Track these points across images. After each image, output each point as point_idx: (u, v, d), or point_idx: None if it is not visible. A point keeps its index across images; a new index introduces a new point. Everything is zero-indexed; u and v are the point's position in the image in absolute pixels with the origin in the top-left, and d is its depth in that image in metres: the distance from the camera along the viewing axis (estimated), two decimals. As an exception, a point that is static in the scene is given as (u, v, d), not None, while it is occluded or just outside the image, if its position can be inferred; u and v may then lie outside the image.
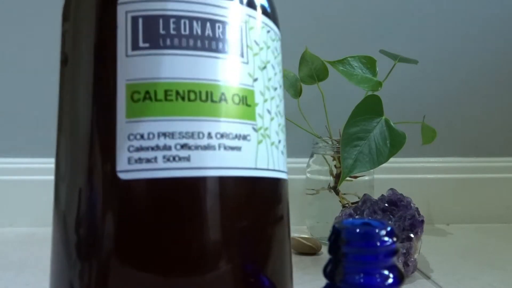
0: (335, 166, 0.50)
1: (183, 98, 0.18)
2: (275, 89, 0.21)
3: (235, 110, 0.19)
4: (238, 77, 0.19)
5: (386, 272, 0.17)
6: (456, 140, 0.66)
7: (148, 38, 0.18)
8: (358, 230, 0.17)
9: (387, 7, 0.66)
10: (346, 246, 0.17)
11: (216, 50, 0.19)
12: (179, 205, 0.18)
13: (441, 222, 0.62)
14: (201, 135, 0.18)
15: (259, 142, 0.20)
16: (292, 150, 0.64)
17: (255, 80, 0.20)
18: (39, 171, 0.60)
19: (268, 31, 0.21)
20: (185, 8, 0.19)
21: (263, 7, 0.21)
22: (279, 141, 0.21)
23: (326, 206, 0.50)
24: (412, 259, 0.37)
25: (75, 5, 0.20)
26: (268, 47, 0.21)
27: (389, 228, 0.17)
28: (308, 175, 0.53)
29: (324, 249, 0.46)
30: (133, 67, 0.18)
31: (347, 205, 0.46)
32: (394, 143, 0.42)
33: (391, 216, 0.39)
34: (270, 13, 0.22)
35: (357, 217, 0.40)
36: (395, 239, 0.17)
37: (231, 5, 0.20)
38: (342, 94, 0.54)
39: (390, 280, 0.17)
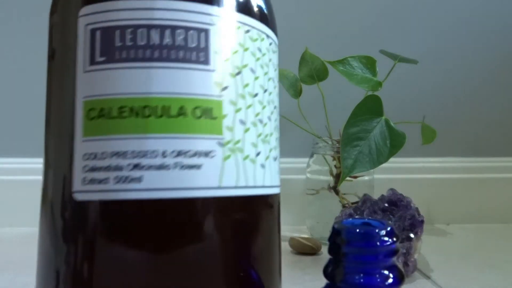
0: (335, 166, 0.50)
1: (137, 115, 0.17)
2: (255, 95, 0.19)
3: (196, 125, 0.17)
4: (201, 87, 0.18)
5: (386, 272, 0.17)
6: (456, 140, 0.66)
7: (105, 51, 0.17)
8: (358, 230, 0.17)
9: (387, 7, 0.66)
10: (346, 246, 0.17)
11: (176, 60, 0.17)
12: (130, 230, 0.17)
13: (441, 222, 0.62)
14: (154, 154, 0.17)
15: (226, 157, 0.18)
16: (292, 150, 0.64)
17: (224, 88, 0.18)
18: (39, 171, 0.60)
19: (247, 31, 0.19)
20: (143, 16, 0.17)
21: (240, 4, 0.19)
22: (258, 154, 0.19)
23: (326, 206, 0.50)
24: (412, 259, 0.37)
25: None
26: (245, 49, 0.19)
27: (389, 228, 0.17)
28: (308, 175, 0.53)
29: (324, 249, 0.46)
30: (90, 83, 0.17)
31: (347, 205, 0.46)
32: (394, 143, 0.42)
33: (391, 216, 0.39)
34: (251, 9, 0.20)
35: (357, 217, 0.40)
36: (395, 239, 0.17)
37: (194, 7, 0.18)
38: (342, 94, 0.54)
39: (390, 280, 0.17)
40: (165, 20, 0.17)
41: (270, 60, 0.21)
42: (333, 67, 0.46)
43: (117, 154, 0.17)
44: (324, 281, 0.18)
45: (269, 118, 0.20)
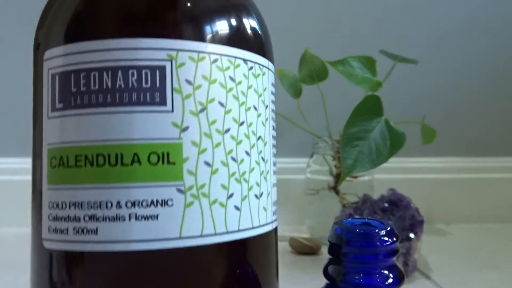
0: (335, 166, 0.50)
1: (91, 164, 0.16)
2: (226, 131, 0.18)
3: (151, 172, 0.16)
4: (157, 131, 0.16)
5: (386, 272, 0.17)
6: (456, 140, 0.66)
7: (62, 97, 0.17)
8: (358, 230, 0.17)
9: (387, 7, 0.66)
10: (346, 246, 0.17)
11: (129, 103, 0.16)
12: (90, 282, 0.16)
13: (441, 222, 0.62)
14: (109, 205, 0.16)
15: (188, 205, 0.17)
16: (292, 150, 0.64)
17: (185, 129, 0.17)
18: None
19: (215, 60, 0.17)
20: (94, 59, 0.17)
21: (203, 32, 0.17)
22: (230, 196, 0.18)
23: (326, 206, 0.50)
24: (412, 259, 0.37)
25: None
26: (212, 82, 0.17)
27: (389, 228, 0.17)
28: (308, 175, 0.53)
29: (324, 249, 0.46)
30: (52, 130, 0.17)
31: (347, 205, 0.46)
32: (394, 143, 0.42)
33: (391, 216, 0.39)
34: (219, 35, 0.18)
35: (357, 217, 0.40)
36: (395, 239, 0.17)
37: (146, 44, 0.17)
38: (342, 94, 0.54)
39: (390, 280, 0.17)
40: (116, 61, 0.16)
41: (249, 87, 0.19)
42: (333, 67, 0.46)
43: (74, 204, 0.16)
44: (324, 281, 0.18)
45: (248, 153, 0.19)
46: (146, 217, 0.16)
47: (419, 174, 0.64)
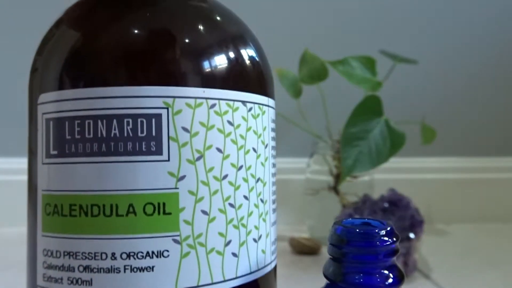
0: (335, 166, 0.50)
1: (86, 214, 0.16)
2: (223, 177, 0.17)
3: (147, 223, 0.16)
4: (152, 181, 0.16)
5: (386, 272, 0.17)
6: (456, 140, 0.66)
7: (57, 144, 0.17)
8: (358, 230, 0.17)
9: (387, 7, 0.66)
10: (346, 246, 0.17)
11: (124, 153, 0.16)
12: None
13: (441, 222, 0.62)
14: (104, 256, 0.16)
15: (185, 255, 0.16)
16: (292, 150, 0.64)
17: (181, 178, 0.16)
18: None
19: (213, 105, 0.17)
20: (89, 106, 0.16)
21: (201, 76, 0.17)
22: (228, 243, 0.17)
23: (326, 206, 0.50)
24: (412, 259, 0.37)
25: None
26: (211, 127, 0.17)
27: (389, 228, 0.17)
28: (308, 175, 0.53)
29: (324, 249, 0.46)
30: (46, 176, 0.17)
31: (347, 205, 0.46)
32: (394, 143, 0.42)
33: (391, 216, 0.39)
34: (218, 79, 0.17)
35: (357, 217, 0.40)
36: (395, 239, 0.17)
37: (142, 92, 0.16)
38: (342, 94, 0.54)
39: (390, 280, 0.17)
40: (111, 110, 0.16)
41: (248, 129, 0.18)
42: (333, 67, 0.46)
43: (69, 254, 0.16)
44: (324, 281, 0.18)
45: (246, 197, 0.18)
46: (141, 269, 0.16)
47: (419, 174, 0.64)
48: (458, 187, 0.64)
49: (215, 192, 0.17)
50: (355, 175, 0.48)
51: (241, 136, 0.18)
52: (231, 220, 0.17)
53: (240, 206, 0.18)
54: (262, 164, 0.19)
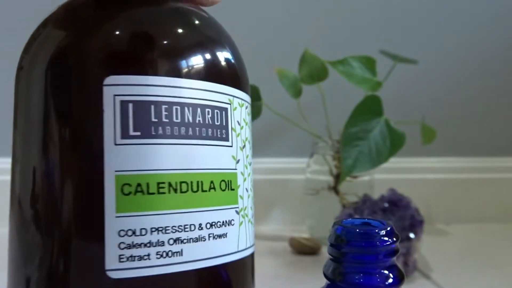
0: (335, 166, 0.50)
1: (175, 190, 0.17)
2: (250, 164, 0.21)
3: (222, 197, 0.19)
4: (224, 162, 0.19)
5: (386, 272, 0.17)
6: (456, 140, 0.66)
7: (140, 126, 0.17)
8: (358, 230, 0.17)
9: (387, 7, 0.66)
10: (346, 246, 0.17)
11: (206, 137, 0.18)
12: None
13: (441, 222, 0.62)
14: (192, 227, 0.18)
15: (240, 224, 0.20)
16: (292, 150, 0.64)
17: (238, 162, 0.20)
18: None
19: (246, 107, 0.21)
20: (177, 95, 0.18)
21: (242, 83, 0.21)
22: (253, 215, 0.21)
23: (326, 206, 0.50)
24: (412, 259, 0.37)
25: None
26: (246, 124, 0.21)
27: (389, 228, 0.17)
28: (308, 175, 0.53)
29: (324, 249, 0.46)
30: (123, 157, 0.17)
31: (347, 205, 0.46)
32: (394, 143, 0.42)
33: (391, 216, 0.39)
34: (246, 85, 0.22)
35: (357, 217, 0.40)
36: (395, 239, 0.17)
37: (219, 88, 0.19)
38: (342, 94, 0.54)
39: (390, 280, 0.17)
40: (195, 99, 0.18)
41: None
42: (333, 67, 0.46)
43: (157, 229, 0.17)
44: (324, 281, 0.18)
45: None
46: (220, 236, 0.19)
47: (419, 174, 0.64)
48: (458, 187, 0.64)
49: (249, 174, 0.21)
50: (355, 175, 0.48)
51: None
52: (253, 197, 0.22)
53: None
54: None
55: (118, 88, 0.17)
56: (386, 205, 0.40)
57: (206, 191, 0.18)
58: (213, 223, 0.18)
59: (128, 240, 0.17)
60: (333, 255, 0.17)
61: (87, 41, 0.18)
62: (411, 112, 0.58)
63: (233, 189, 0.19)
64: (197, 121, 0.18)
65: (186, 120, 0.18)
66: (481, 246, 0.50)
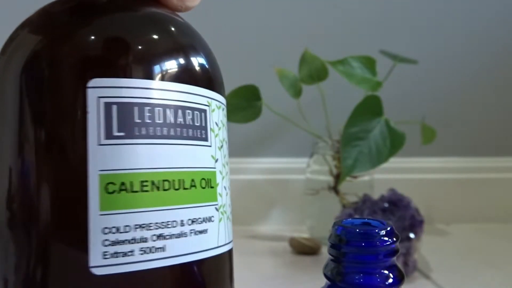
0: (335, 166, 0.50)
1: (158, 188, 0.18)
2: (227, 163, 0.22)
3: (202, 194, 0.20)
4: (204, 161, 0.20)
5: (386, 272, 0.17)
6: (456, 140, 0.66)
7: (123, 126, 0.18)
8: (358, 230, 0.17)
9: (387, 7, 0.66)
10: (346, 246, 0.17)
11: (187, 137, 0.19)
12: None
13: (441, 222, 0.62)
14: (174, 224, 0.18)
15: (220, 220, 0.21)
16: (292, 150, 0.64)
17: (216, 161, 0.21)
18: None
19: (223, 109, 0.22)
20: (159, 97, 0.19)
21: (219, 85, 0.22)
22: (231, 212, 0.22)
23: (326, 206, 0.50)
24: (412, 259, 0.37)
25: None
26: (223, 125, 0.22)
27: (389, 228, 0.17)
28: (308, 175, 0.53)
29: (324, 249, 0.46)
30: (107, 156, 0.18)
31: (347, 205, 0.46)
32: (394, 143, 0.42)
33: (391, 216, 0.39)
34: (222, 87, 0.23)
35: (357, 217, 0.40)
36: (395, 239, 0.17)
37: (198, 91, 0.20)
38: (342, 94, 0.54)
39: (390, 280, 0.17)
40: (175, 101, 0.19)
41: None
42: (333, 67, 0.46)
43: (141, 226, 0.18)
44: (324, 281, 0.18)
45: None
46: (201, 231, 0.19)
47: (419, 174, 0.64)
48: (458, 187, 0.64)
49: (227, 173, 0.22)
50: (355, 175, 0.48)
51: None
52: (230, 196, 0.23)
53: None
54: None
55: (102, 90, 0.18)
56: (386, 205, 0.40)
57: (187, 188, 0.19)
58: (194, 220, 0.19)
59: (112, 237, 0.17)
60: (333, 255, 0.17)
61: (66, 44, 0.19)
62: (411, 112, 0.58)
63: (213, 187, 0.20)
64: (178, 122, 0.19)
65: (168, 121, 0.19)
66: (481, 246, 0.50)
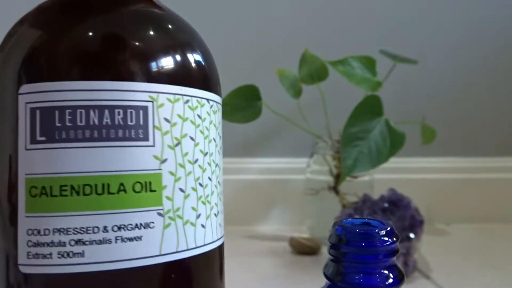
0: (335, 166, 0.50)
1: (78, 193, 0.18)
2: (195, 161, 0.20)
3: (135, 199, 0.18)
4: (140, 163, 0.18)
5: (386, 272, 0.17)
6: (456, 140, 0.66)
7: (45, 131, 0.18)
8: (358, 230, 0.17)
9: (387, 7, 0.66)
10: (346, 246, 0.17)
11: (115, 139, 0.18)
12: None
13: (441, 222, 0.62)
14: (96, 230, 0.18)
15: (166, 226, 0.19)
16: (292, 150, 0.64)
17: (164, 161, 0.19)
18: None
19: (187, 101, 0.20)
20: (82, 97, 0.18)
21: (179, 76, 0.20)
22: (198, 216, 0.20)
23: (326, 206, 0.50)
24: (412, 259, 0.37)
25: None
26: (185, 120, 0.20)
27: (389, 228, 0.17)
28: (308, 175, 0.53)
29: (324, 249, 0.46)
30: (31, 161, 0.18)
31: (347, 205, 0.46)
32: (394, 143, 0.42)
33: (391, 216, 0.39)
34: (191, 79, 0.21)
35: (357, 217, 0.40)
36: (395, 239, 0.17)
37: (132, 87, 0.19)
38: (342, 94, 0.54)
39: (390, 280, 0.17)
40: (103, 101, 0.18)
41: (211, 122, 0.22)
42: (333, 67, 0.46)
43: (59, 230, 0.18)
44: (324, 281, 0.18)
45: (210, 179, 0.21)
46: (130, 239, 0.18)
47: (419, 174, 0.64)
48: (458, 187, 0.64)
49: (189, 173, 0.20)
50: (355, 175, 0.48)
51: (206, 128, 0.21)
52: (200, 197, 0.21)
53: (206, 186, 0.21)
54: (218, 152, 0.23)
55: (29, 96, 0.18)
56: (386, 205, 0.40)
57: (113, 193, 0.18)
58: (122, 226, 0.18)
59: (34, 239, 0.18)
60: (333, 255, 0.17)
61: (8, 53, 0.19)
62: (411, 112, 0.58)
63: (155, 191, 0.19)
64: (104, 123, 0.18)
65: (91, 123, 0.18)
66: (481, 246, 0.50)
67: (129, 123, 0.18)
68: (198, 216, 0.20)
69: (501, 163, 0.66)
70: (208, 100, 0.21)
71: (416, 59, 0.54)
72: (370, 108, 0.43)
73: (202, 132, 0.21)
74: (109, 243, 0.18)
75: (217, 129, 0.22)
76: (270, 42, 0.63)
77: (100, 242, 0.18)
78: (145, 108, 0.19)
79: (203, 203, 0.21)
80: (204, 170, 0.21)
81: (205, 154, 0.21)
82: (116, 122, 0.18)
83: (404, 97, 0.64)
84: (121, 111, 0.18)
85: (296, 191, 0.59)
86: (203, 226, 0.21)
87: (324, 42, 0.62)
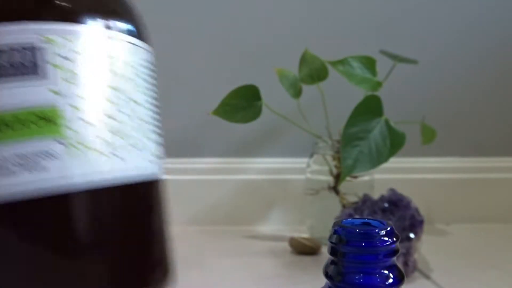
0: (335, 166, 0.50)
1: None
2: (101, 94, 0.21)
3: (36, 131, 0.19)
4: (38, 98, 0.20)
5: (386, 272, 0.17)
6: (456, 140, 0.66)
7: None
8: (358, 230, 0.17)
9: (387, 7, 0.66)
10: (346, 246, 0.17)
11: (13, 79, 0.19)
12: None
13: (441, 222, 0.62)
14: None
15: (71, 154, 0.20)
16: (292, 150, 0.64)
17: (63, 95, 0.20)
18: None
19: (87, 37, 0.21)
20: None
21: (73, 12, 0.21)
22: (107, 144, 0.21)
23: (326, 206, 0.50)
24: (412, 259, 0.37)
25: None
26: (79, 53, 0.21)
27: (389, 228, 0.17)
28: (308, 175, 0.53)
29: (324, 249, 0.46)
30: None
31: (347, 205, 0.46)
32: (394, 143, 0.42)
33: (391, 216, 0.39)
34: (73, 15, 0.21)
35: (357, 217, 0.40)
36: (395, 239, 0.17)
37: (26, 26, 0.20)
38: (342, 94, 0.54)
39: (390, 280, 0.17)
40: None
41: (125, 62, 0.22)
42: (333, 67, 0.46)
43: None
44: (324, 281, 0.18)
45: (125, 113, 0.22)
46: (35, 168, 0.19)
47: (419, 174, 0.64)
48: (458, 187, 0.64)
49: (92, 105, 0.21)
50: (355, 175, 0.48)
51: (109, 64, 0.22)
52: (111, 129, 0.21)
53: (118, 119, 0.22)
54: (139, 91, 0.23)
55: None
56: (386, 205, 0.40)
57: (10, 126, 0.19)
58: (23, 156, 0.19)
59: None
60: (333, 255, 0.17)
61: None
62: (411, 112, 0.58)
63: (54, 122, 0.20)
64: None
65: None
66: (481, 246, 0.50)
67: (16, 61, 0.19)
68: (106, 144, 0.21)
69: (501, 163, 0.66)
70: (121, 30, 0.22)
71: (416, 59, 0.54)
72: (370, 108, 0.43)
73: (112, 71, 0.22)
74: (13, 173, 0.19)
75: (134, 69, 0.23)
76: (270, 42, 0.63)
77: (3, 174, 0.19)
78: (40, 47, 0.20)
79: (115, 135, 0.22)
80: (114, 104, 0.22)
81: (115, 89, 0.22)
82: (12, 61, 0.19)
83: (404, 97, 0.64)
84: (16, 52, 0.19)
85: (296, 191, 0.59)
86: (115, 154, 0.21)
87: (324, 42, 0.62)
